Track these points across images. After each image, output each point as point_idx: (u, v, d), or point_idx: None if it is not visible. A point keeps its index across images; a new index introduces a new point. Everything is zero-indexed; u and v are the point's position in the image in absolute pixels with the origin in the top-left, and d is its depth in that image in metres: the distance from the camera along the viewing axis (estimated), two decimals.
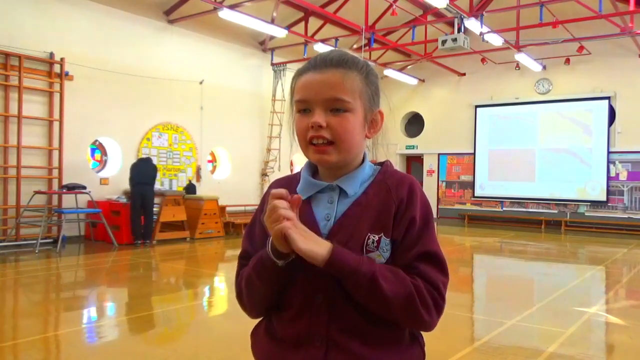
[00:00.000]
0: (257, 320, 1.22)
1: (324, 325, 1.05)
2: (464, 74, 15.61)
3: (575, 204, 13.81)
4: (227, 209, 11.77)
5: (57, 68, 9.32)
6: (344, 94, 1.06)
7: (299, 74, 1.12)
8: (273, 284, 1.09)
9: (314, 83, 1.07)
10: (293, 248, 1.00)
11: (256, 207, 1.25)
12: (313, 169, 1.19)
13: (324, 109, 1.07)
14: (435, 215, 15.54)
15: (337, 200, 1.12)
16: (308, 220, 1.10)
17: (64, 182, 9.16)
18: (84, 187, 9.06)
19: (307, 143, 1.09)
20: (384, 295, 1.01)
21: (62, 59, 9.27)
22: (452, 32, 10.42)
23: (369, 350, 1.05)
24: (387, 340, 1.07)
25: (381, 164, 1.18)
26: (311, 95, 1.07)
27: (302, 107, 1.09)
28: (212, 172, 12.85)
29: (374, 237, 1.06)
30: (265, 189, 1.28)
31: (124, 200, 9.71)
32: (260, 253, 1.10)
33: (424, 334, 1.16)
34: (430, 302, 1.03)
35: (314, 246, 1.00)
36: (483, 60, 14.08)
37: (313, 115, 1.07)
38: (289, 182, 1.20)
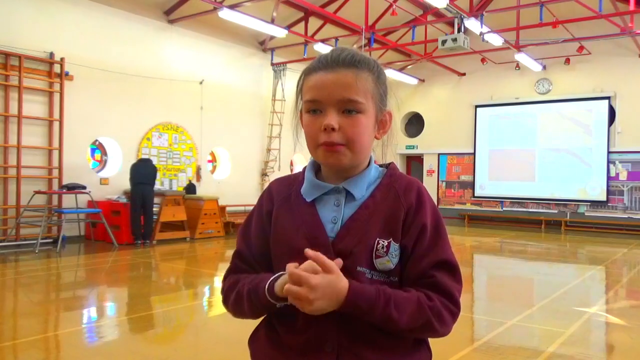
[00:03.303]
0: (253, 326, 1.20)
1: (334, 332, 1.03)
2: (464, 74, 15.60)
3: (575, 204, 13.81)
4: (227, 209, 11.77)
5: (57, 68, 9.32)
6: (357, 95, 1.04)
7: (307, 72, 1.09)
8: (262, 313, 1.11)
9: (327, 83, 1.04)
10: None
11: (255, 205, 1.23)
12: (316, 168, 1.16)
13: (337, 109, 1.04)
14: None
15: (344, 203, 1.09)
16: (313, 223, 1.08)
17: (64, 182, 9.16)
18: (84, 187, 9.06)
19: (317, 145, 1.06)
20: (401, 328, 1.01)
21: (62, 59, 9.27)
22: (452, 32, 10.41)
23: (380, 355, 1.04)
24: (397, 344, 1.06)
25: (386, 166, 1.16)
26: (324, 96, 1.04)
27: (313, 107, 1.06)
28: (212, 172, 12.85)
29: (383, 242, 1.05)
30: (265, 189, 1.25)
31: (124, 200, 9.71)
32: (254, 286, 1.07)
33: None
34: (446, 316, 1.04)
35: (327, 305, 0.98)
36: (483, 60, 14.08)
37: (325, 116, 1.04)
38: (290, 183, 1.17)
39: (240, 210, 12.35)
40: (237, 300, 1.11)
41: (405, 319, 1.00)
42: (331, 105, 1.04)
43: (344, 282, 0.98)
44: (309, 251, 0.98)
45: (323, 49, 11.66)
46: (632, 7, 10.02)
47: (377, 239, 1.05)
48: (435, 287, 1.05)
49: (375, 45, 12.62)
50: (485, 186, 15.21)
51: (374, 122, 1.09)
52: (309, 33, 12.31)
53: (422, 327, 1.02)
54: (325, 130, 1.03)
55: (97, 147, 10.59)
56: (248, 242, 1.17)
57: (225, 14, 9.94)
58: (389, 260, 1.05)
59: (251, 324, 1.21)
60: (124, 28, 10.36)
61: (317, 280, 0.96)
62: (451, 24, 11.26)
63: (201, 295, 6.17)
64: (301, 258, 1.06)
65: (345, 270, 1.02)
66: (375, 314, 0.99)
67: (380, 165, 1.16)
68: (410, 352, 1.09)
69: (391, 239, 1.05)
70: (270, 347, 1.11)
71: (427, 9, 12.34)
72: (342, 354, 1.03)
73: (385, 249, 1.04)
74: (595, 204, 13.50)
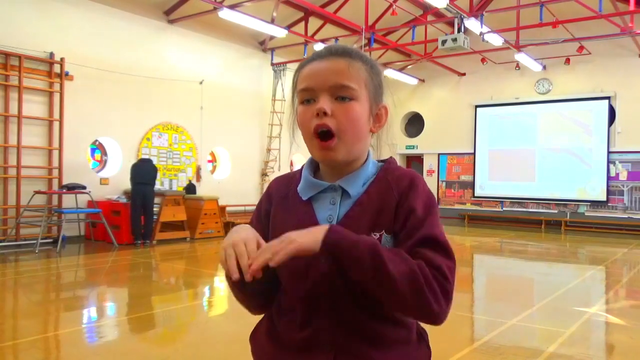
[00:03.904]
0: (255, 322, 1.20)
1: (331, 329, 1.02)
2: (464, 74, 15.61)
3: (575, 204, 13.81)
4: (227, 209, 11.77)
5: (57, 68, 9.32)
6: (350, 81, 1.04)
7: (302, 65, 1.10)
8: (257, 297, 1.10)
9: (319, 70, 1.05)
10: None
11: (256, 207, 1.24)
12: (314, 166, 1.16)
13: (330, 96, 1.04)
14: None
15: (340, 201, 1.09)
16: (310, 221, 1.07)
17: (64, 182, 9.16)
18: (84, 187, 9.06)
19: (312, 135, 1.05)
20: (389, 273, 0.93)
21: (62, 59, 9.27)
22: (452, 32, 10.42)
23: (377, 352, 1.03)
24: (395, 341, 1.05)
25: (385, 161, 1.15)
26: (316, 83, 1.04)
27: (307, 96, 1.06)
28: (212, 172, 12.86)
29: (375, 235, 1.03)
30: (265, 189, 1.25)
31: (124, 200, 9.71)
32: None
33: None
34: (435, 286, 0.95)
35: (307, 239, 0.95)
36: (483, 60, 14.08)
37: (318, 102, 1.04)
38: (289, 181, 1.18)
39: (240, 210, 12.35)
40: (234, 294, 1.13)
41: (394, 267, 0.93)
42: (324, 91, 1.04)
43: (321, 226, 0.98)
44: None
45: None
46: (632, 7, 10.02)
47: (370, 233, 1.03)
48: (423, 261, 0.98)
49: (375, 45, 12.62)
50: (485, 186, 15.21)
51: (368, 113, 1.08)
52: (309, 33, 12.31)
53: (413, 287, 0.94)
54: (317, 116, 1.03)
55: (97, 147, 10.60)
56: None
57: (225, 14, 9.94)
58: None
59: (252, 323, 1.21)
60: (124, 28, 10.36)
61: (287, 233, 0.96)
62: (451, 24, 11.26)
63: (201, 295, 6.17)
64: (297, 258, 1.07)
65: None
66: (362, 252, 0.94)
67: (380, 161, 1.15)
68: (408, 350, 1.07)
69: (383, 231, 1.03)
70: (269, 344, 1.11)
71: (427, 9, 12.34)
72: (340, 353, 1.02)
73: None
74: (595, 204, 13.50)
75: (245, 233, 0.99)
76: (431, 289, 0.94)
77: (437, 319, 0.97)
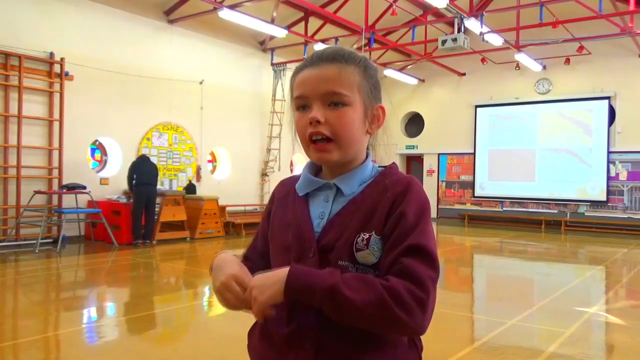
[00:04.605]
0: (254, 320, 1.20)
1: (314, 327, 1.03)
2: (464, 74, 15.61)
3: (575, 204, 13.81)
4: (227, 209, 11.76)
5: (57, 68, 9.32)
6: (341, 88, 1.05)
7: (296, 71, 1.12)
8: None
9: (311, 78, 1.07)
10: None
11: (256, 207, 1.27)
12: (316, 167, 1.18)
13: (322, 103, 1.06)
14: (435, 215, 15.54)
15: (333, 198, 1.11)
16: (302, 218, 1.10)
17: (64, 182, 9.16)
18: (84, 187, 9.06)
19: (308, 141, 1.07)
20: (353, 305, 0.94)
21: (62, 59, 9.27)
22: (452, 32, 10.42)
23: (360, 353, 1.02)
24: (382, 342, 1.04)
25: (386, 166, 1.16)
26: (308, 91, 1.06)
27: (301, 103, 1.08)
28: (212, 172, 12.86)
29: (364, 235, 1.03)
30: (265, 189, 1.27)
31: (124, 200, 9.71)
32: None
33: (424, 335, 1.13)
34: (409, 300, 0.93)
35: (268, 294, 0.98)
36: (483, 60, 14.08)
37: (311, 111, 1.06)
38: (291, 182, 1.21)
39: (240, 210, 12.35)
40: None
41: (356, 295, 0.94)
42: (316, 99, 1.06)
43: (284, 269, 0.99)
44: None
45: None
46: (632, 7, 10.02)
47: (360, 232, 1.04)
48: (402, 273, 0.97)
49: (375, 45, 12.62)
50: (485, 186, 15.21)
51: (363, 116, 1.09)
52: (309, 33, 12.32)
53: (382, 312, 0.93)
54: (311, 124, 1.05)
55: (97, 147, 10.60)
56: (255, 243, 1.25)
57: (225, 14, 9.94)
58: (371, 253, 1.02)
59: (250, 324, 1.22)
60: (124, 28, 10.36)
61: (253, 281, 1.00)
62: (451, 24, 11.26)
63: (201, 295, 6.17)
64: (289, 254, 1.09)
65: (327, 264, 1.03)
66: (323, 294, 0.95)
67: (382, 167, 1.16)
68: (396, 353, 1.05)
69: (373, 232, 1.04)
70: (260, 341, 1.14)
71: (427, 9, 12.35)
72: (320, 351, 1.03)
73: (365, 242, 1.03)
74: (595, 204, 13.50)
75: (229, 267, 1.05)
76: (403, 306, 0.93)
77: (414, 332, 0.98)
